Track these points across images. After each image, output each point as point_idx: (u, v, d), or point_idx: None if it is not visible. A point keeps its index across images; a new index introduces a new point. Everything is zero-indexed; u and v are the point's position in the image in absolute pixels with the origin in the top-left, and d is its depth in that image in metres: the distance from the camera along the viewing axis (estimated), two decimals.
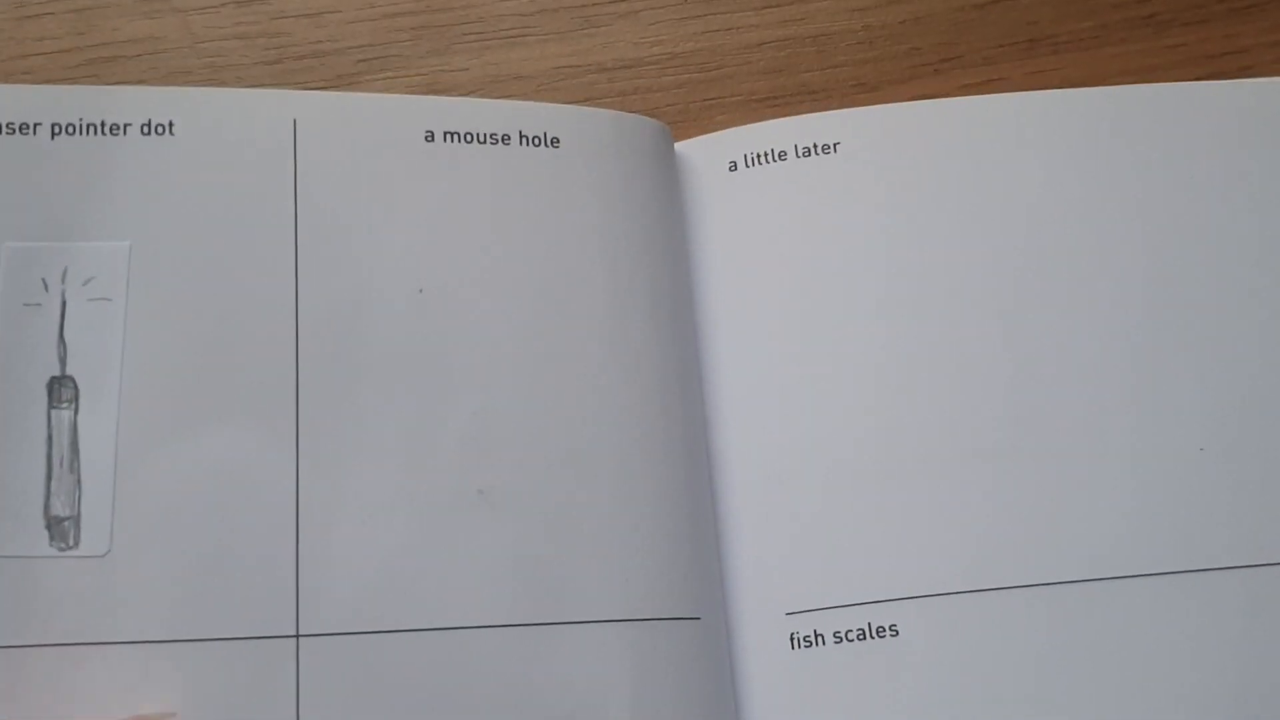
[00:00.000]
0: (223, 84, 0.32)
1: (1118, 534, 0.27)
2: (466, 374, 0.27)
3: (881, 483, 0.28)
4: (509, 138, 0.29)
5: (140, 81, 0.32)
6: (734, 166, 0.30)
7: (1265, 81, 0.31)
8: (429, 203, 0.28)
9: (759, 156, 0.30)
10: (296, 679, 0.25)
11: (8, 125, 0.27)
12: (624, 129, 0.30)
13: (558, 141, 0.29)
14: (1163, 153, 0.31)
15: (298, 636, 0.25)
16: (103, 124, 0.28)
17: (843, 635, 0.27)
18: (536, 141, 0.29)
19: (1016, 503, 0.28)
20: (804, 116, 0.31)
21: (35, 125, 0.28)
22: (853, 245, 0.29)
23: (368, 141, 0.28)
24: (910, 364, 0.29)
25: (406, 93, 0.32)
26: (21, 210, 0.27)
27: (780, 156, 0.30)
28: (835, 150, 0.30)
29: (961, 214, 0.30)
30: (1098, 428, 0.28)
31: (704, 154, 0.31)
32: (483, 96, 0.32)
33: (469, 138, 0.29)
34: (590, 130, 0.29)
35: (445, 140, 0.29)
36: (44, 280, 0.26)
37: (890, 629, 0.27)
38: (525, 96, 0.32)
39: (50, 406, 0.26)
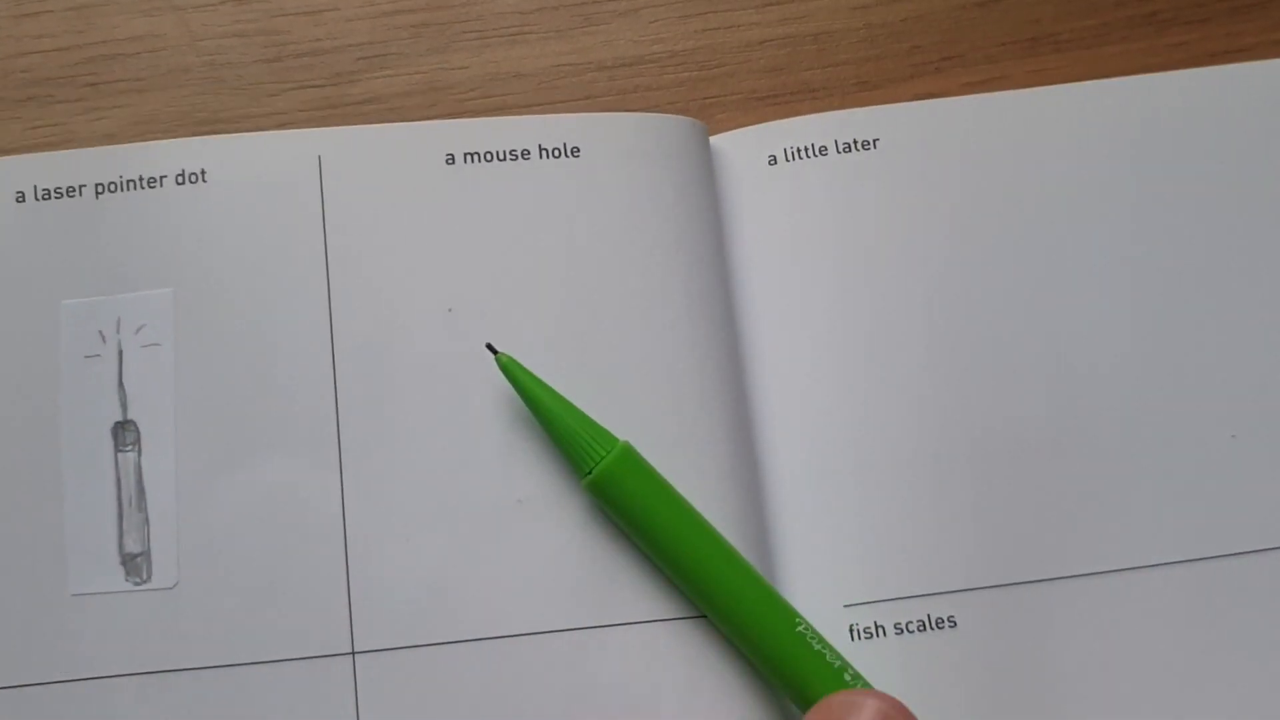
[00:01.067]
0: (221, 81, 0.32)
1: (1163, 521, 0.29)
2: (501, 388, 0.28)
3: (931, 475, 0.29)
4: (528, 152, 0.30)
5: (138, 80, 0.32)
6: (773, 160, 0.31)
7: None
8: (453, 224, 0.30)
9: (799, 151, 0.31)
10: (355, 695, 0.27)
11: (57, 190, 0.30)
12: (648, 131, 0.31)
13: (578, 151, 0.30)
14: (1207, 140, 0.32)
15: (353, 654, 0.27)
16: (141, 178, 0.30)
17: (903, 627, 0.28)
18: (556, 153, 0.30)
19: (1065, 492, 0.29)
20: (845, 111, 0.32)
21: (80, 187, 0.30)
22: (894, 240, 0.31)
23: (390, 170, 0.30)
24: (955, 356, 0.30)
25: (406, 90, 0.32)
26: (75, 268, 0.29)
27: (821, 151, 0.31)
28: (875, 146, 0.31)
29: (1002, 208, 0.31)
30: (1137, 417, 0.29)
31: (742, 148, 0.32)
32: (482, 95, 0.32)
33: (488, 156, 0.30)
34: (612, 136, 0.31)
35: (465, 161, 0.30)
36: (100, 332, 0.29)
37: (949, 620, 0.28)
38: (525, 94, 0.32)
39: (116, 450, 0.28)
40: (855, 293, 0.30)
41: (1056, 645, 0.28)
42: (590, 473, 0.27)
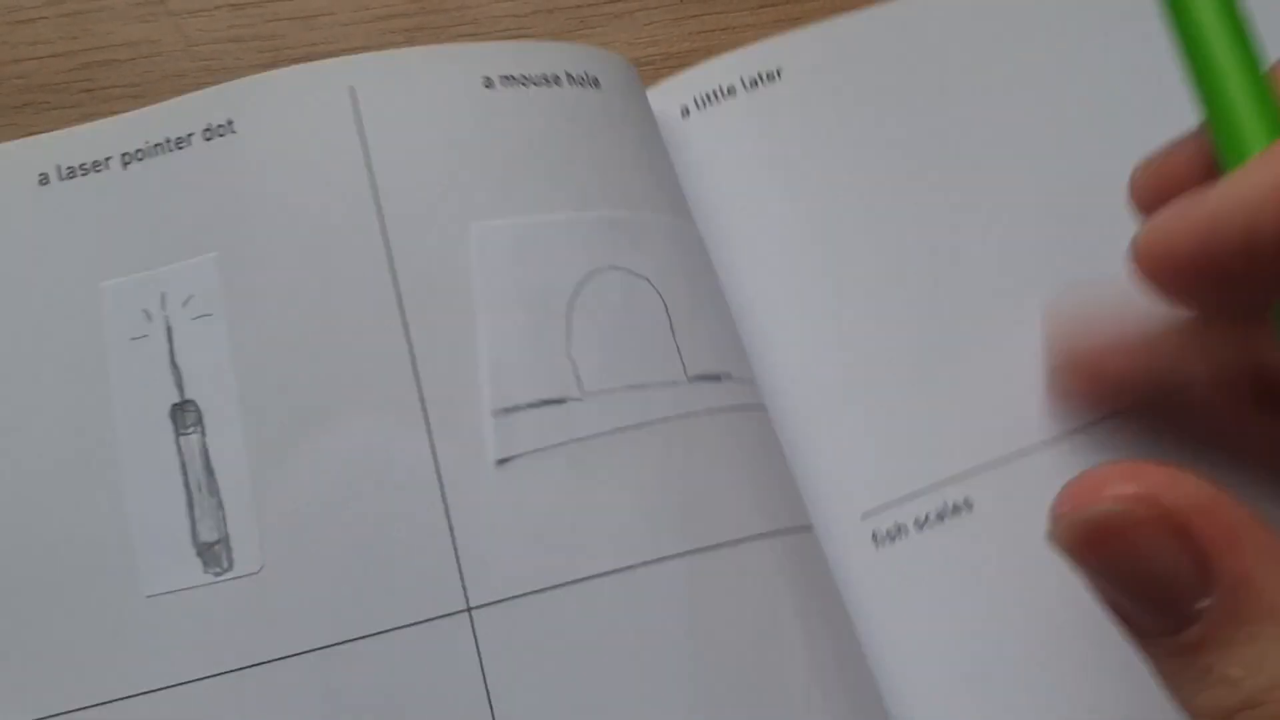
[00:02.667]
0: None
1: None
2: None
3: (920, 366, 0.29)
4: (559, 79, 0.29)
5: (133, 85, 0.32)
6: (686, 112, 0.31)
7: None
8: (499, 149, 0.28)
9: (708, 97, 0.31)
10: (477, 651, 0.24)
11: (81, 166, 0.27)
12: (636, 74, 0.31)
13: (598, 82, 0.29)
14: (1111, 24, 0.31)
15: (469, 610, 0.24)
16: (167, 140, 0.27)
17: (922, 521, 0.27)
18: (582, 81, 0.29)
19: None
20: (744, 49, 0.31)
21: (107, 159, 0.27)
22: (820, 162, 0.30)
23: (429, 97, 0.28)
24: (914, 251, 0.29)
25: None
26: (110, 247, 0.27)
27: (729, 92, 0.30)
28: (780, 76, 0.31)
29: (914, 111, 0.31)
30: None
31: (655, 106, 0.31)
32: None
33: (525, 80, 0.28)
34: (620, 72, 0.30)
35: (503, 85, 0.28)
36: (145, 311, 0.26)
37: (965, 503, 0.27)
38: None
39: (177, 434, 0.25)
40: (799, 218, 0.30)
41: None
42: None
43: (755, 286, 0.30)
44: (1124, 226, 0.25)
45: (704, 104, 0.31)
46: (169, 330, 0.26)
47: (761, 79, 0.31)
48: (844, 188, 0.30)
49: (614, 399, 0.26)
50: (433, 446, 0.25)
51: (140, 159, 0.27)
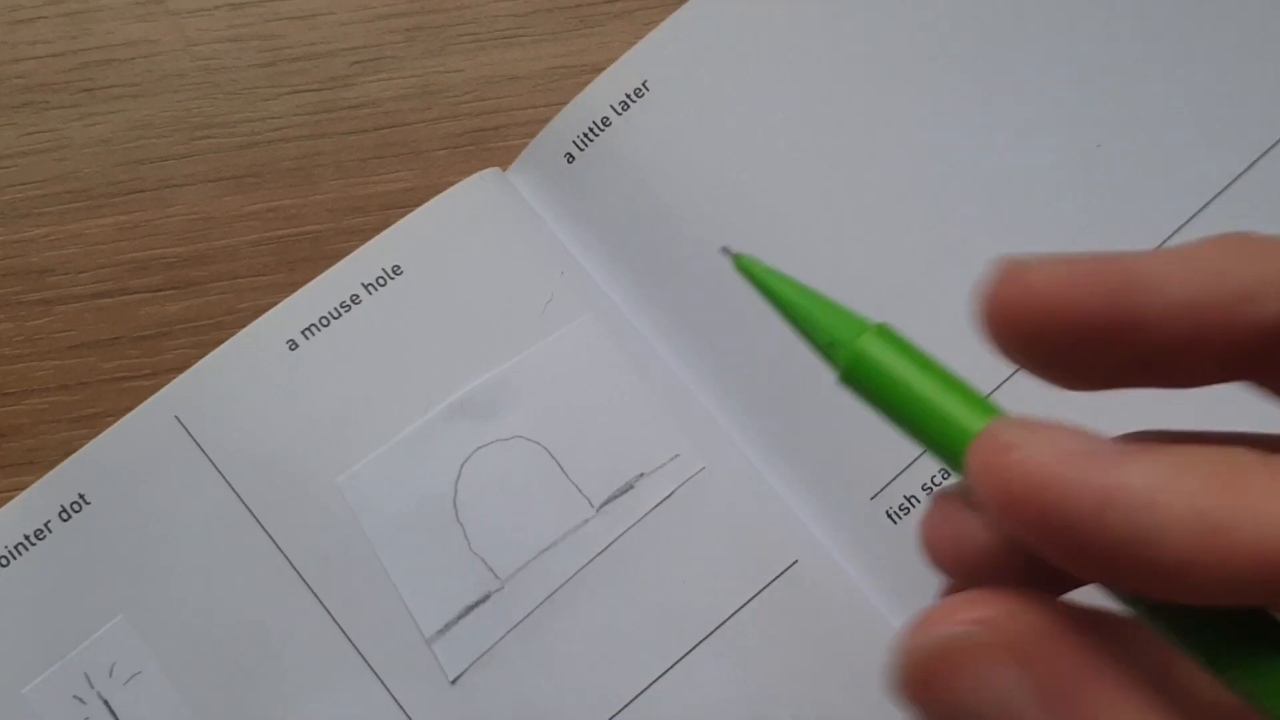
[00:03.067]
0: (216, 85, 0.32)
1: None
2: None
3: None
4: (358, 296, 0.29)
5: (133, 85, 0.32)
6: (570, 158, 0.30)
7: None
8: (326, 399, 0.28)
9: (585, 136, 0.30)
10: None
11: None
12: (448, 209, 0.29)
13: (399, 268, 0.29)
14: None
15: None
16: (26, 538, 0.28)
17: (931, 486, 0.27)
18: (383, 280, 0.29)
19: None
20: (603, 74, 0.30)
21: None
22: (713, 155, 0.30)
23: (245, 388, 0.28)
24: (814, 247, 0.29)
25: (401, 94, 0.32)
26: (14, 653, 0.27)
27: (604, 124, 0.30)
28: (647, 89, 0.30)
29: (784, 90, 0.30)
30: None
31: (536, 164, 0.30)
32: (477, 97, 0.32)
33: (325, 320, 0.29)
34: (418, 237, 0.29)
35: (306, 338, 0.29)
36: (77, 697, 0.27)
37: None
38: (520, 97, 0.32)
39: None
40: (712, 221, 0.29)
41: None
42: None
43: (683, 303, 0.29)
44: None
45: (585, 143, 0.30)
46: (107, 704, 0.27)
47: (630, 98, 0.30)
48: (744, 174, 0.29)
49: (532, 572, 0.27)
50: (390, 692, 0.27)
51: (5, 565, 0.28)
